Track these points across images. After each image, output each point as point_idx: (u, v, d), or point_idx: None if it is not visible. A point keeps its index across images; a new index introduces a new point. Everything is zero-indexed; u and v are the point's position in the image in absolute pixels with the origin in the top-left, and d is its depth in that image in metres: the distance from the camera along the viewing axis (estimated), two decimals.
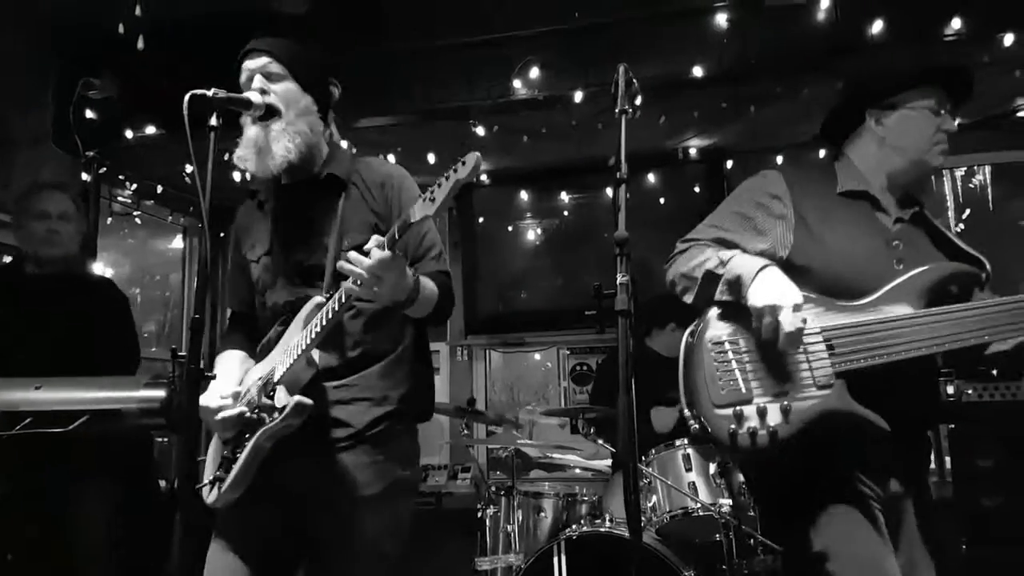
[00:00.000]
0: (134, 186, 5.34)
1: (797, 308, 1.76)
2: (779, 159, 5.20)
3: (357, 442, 2.05)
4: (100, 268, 5.19)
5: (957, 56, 3.84)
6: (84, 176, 4.81)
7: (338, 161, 2.22)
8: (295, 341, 2.02)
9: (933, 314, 1.82)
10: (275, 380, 2.01)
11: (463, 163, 1.73)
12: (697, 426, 1.85)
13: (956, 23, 3.80)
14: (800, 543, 1.88)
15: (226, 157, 2.14)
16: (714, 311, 1.92)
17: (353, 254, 1.81)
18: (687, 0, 4.07)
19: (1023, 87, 4.42)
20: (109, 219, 5.36)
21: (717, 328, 1.89)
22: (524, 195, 5.89)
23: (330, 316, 1.93)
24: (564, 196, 5.85)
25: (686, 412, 1.87)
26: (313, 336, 1.96)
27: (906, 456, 1.94)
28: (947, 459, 4.71)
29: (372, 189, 2.18)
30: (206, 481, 2.10)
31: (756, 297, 1.79)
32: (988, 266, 1.98)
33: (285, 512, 2.05)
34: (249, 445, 2.01)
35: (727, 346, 1.86)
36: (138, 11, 3.91)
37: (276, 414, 1.98)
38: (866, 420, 1.79)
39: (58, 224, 3.36)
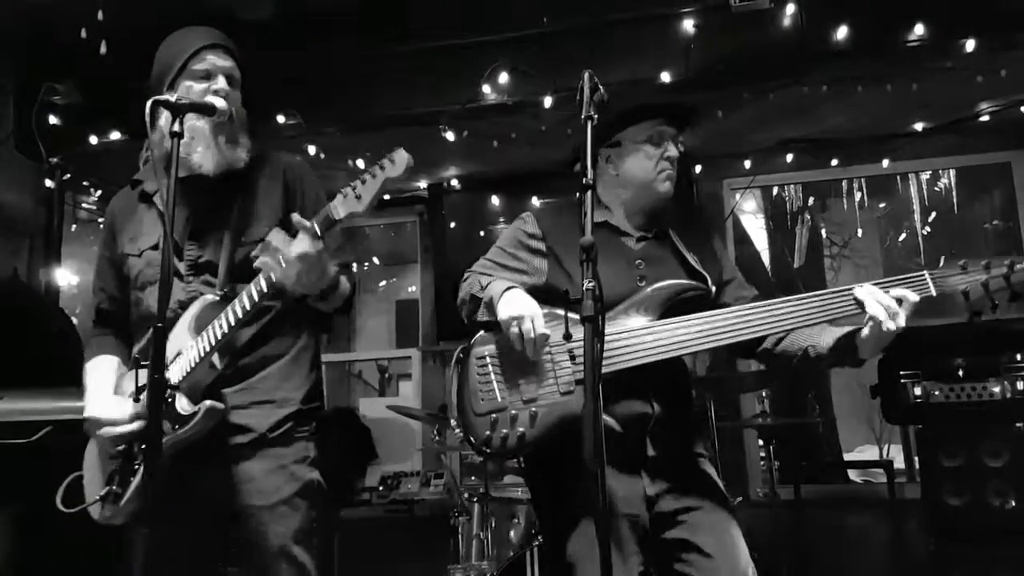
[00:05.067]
0: (99, 192, 5.27)
1: (536, 319, 1.94)
2: (747, 163, 5.26)
3: (260, 446, 2.01)
4: (64, 276, 5.10)
5: (907, 63, 4.00)
6: (48, 183, 4.74)
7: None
8: (188, 343, 1.96)
9: (661, 326, 1.97)
10: (174, 384, 1.94)
11: (391, 160, 1.70)
12: (461, 433, 2.05)
13: (919, 29, 3.87)
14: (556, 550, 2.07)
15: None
16: (482, 331, 2.12)
17: (272, 243, 1.81)
18: (654, 6, 4.09)
19: (985, 91, 4.47)
20: (74, 226, 5.28)
21: (482, 346, 2.09)
22: (495, 200, 5.88)
23: (240, 315, 1.89)
24: (535, 200, 5.84)
25: (453, 422, 2.05)
26: (219, 336, 1.91)
27: (666, 449, 2.06)
28: (915, 459, 4.77)
29: (271, 183, 2.15)
30: (96, 497, 2.00)
31: (503, 312, 1.99)
32: (712, 284, 2.14)
33: (193, 523, 1.98)
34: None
35: (488, 360, 2.06)
36: (100, 16, 3.86)
37: (183, 421, 1.90)
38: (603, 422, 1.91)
39: None
